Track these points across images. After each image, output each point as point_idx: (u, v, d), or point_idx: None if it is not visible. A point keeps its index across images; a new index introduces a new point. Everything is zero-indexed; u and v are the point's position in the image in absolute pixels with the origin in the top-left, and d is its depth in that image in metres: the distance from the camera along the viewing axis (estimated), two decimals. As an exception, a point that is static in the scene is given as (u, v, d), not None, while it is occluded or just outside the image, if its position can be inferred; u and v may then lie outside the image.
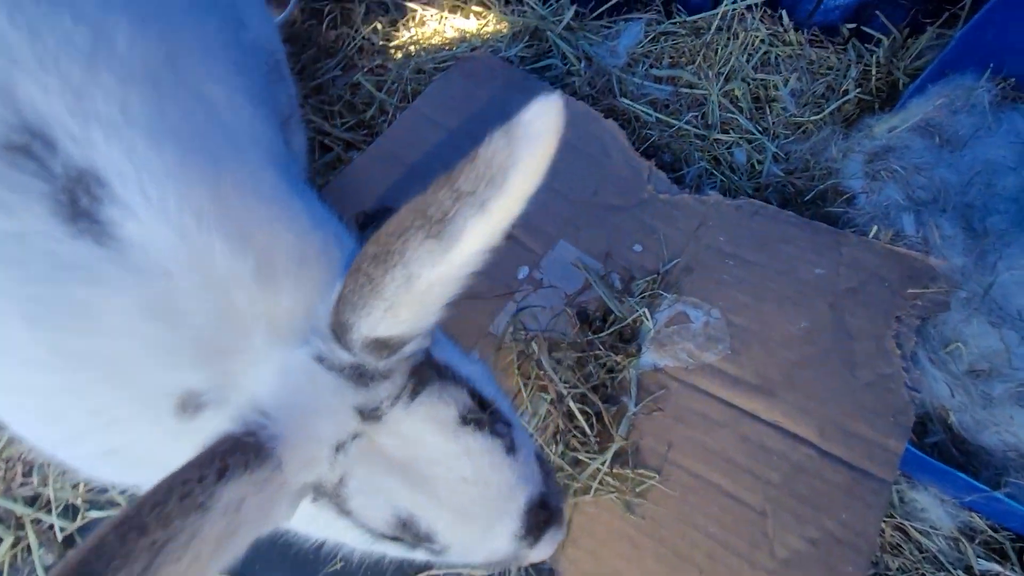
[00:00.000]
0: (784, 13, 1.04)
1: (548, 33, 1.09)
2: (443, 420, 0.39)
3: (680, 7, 1.11)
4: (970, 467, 0.69)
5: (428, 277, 0.34)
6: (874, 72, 1.00)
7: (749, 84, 1.06)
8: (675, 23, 1.10)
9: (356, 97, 0.95)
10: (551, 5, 1.15)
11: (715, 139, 1.05)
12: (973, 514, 0.72)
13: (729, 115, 1.05)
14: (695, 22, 1.08)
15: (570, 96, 1.05)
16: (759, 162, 1.02)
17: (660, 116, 1.05)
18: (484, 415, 0.41)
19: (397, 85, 0.99)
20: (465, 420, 0.40)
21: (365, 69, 0.98)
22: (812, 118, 1.02)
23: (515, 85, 1.00)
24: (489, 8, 1.16)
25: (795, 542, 0.65)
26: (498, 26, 1.14)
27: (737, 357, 0.77)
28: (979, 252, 0.76)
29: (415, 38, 1.08)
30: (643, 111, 1.05)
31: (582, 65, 1.09)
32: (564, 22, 1.11)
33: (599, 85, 1.08)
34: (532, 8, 1.15)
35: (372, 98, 0.95)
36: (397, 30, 1.08)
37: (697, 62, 1.08)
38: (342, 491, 0.38)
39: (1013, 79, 0.94)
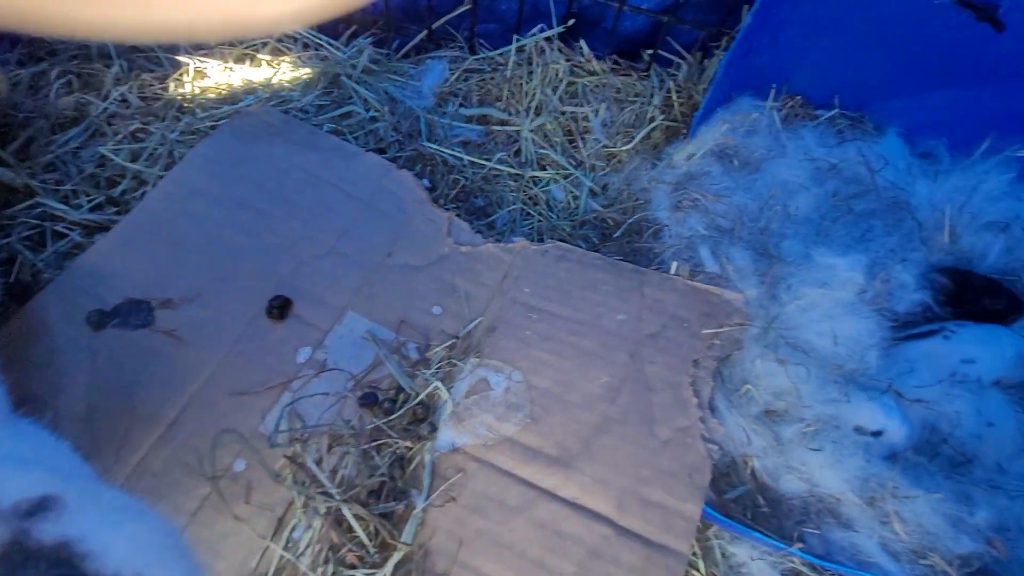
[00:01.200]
0: (583, 43, 1.02)
1: (345, 79, 1.01)
2: None
3: (483, 43, 1.07)
4: (774, 517, 0.65)
5: None
6: (675, 98, 0.99)
7: (560, 118, 1.02)
8: (479, 59, 1.05)
9: (104, 170, 0.82)
10: (350, 47, 1.07)
11: (531, 176, 1.00)
12: (794, 559, 0.69)
13: (542, 151, 1.01)
14: (495, 58, 1.03)
15: (373, 148, 0.98)
16: (576, 197, 0.98)
17: (472, 158, 0.99)
18: None
19: (161, 150, 0.88)
20: None
21: (120, 136, 0.86)
22: (624, 148, 0.99)
23: (298, 140, 0.90)
24: (281, 54, 1.07)
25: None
26: (292, 74, 1.04)
27: (537, 425, 0.70)
28: (770, 281, 0.74)
29: (189, 95, 0.96)
30: (452, 154, 0.98)
31: (386, 109, 1.02)
32: (361, 65, 1.03)
33: (405, 129, 1.01)
34: (329, 52, 1.06)
35: (124, 170, 0.83)
36: (166, 87, 0.96)
37: (505, 98, 1.03)
38: None
39: (799, 97, 0.94)
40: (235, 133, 0.89)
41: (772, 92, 0.91)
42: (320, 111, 1.01)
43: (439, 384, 0.73)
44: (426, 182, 0.99)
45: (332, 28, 1.10)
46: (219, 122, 0.95)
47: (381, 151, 1.01)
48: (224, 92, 0.99)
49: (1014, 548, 0.60)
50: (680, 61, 1.01)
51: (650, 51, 1.02)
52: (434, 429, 0.72)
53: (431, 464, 0.69)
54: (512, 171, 0.99)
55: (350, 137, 0.99)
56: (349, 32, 1.09)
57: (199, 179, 0.85)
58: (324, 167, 0.88)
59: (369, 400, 0.73)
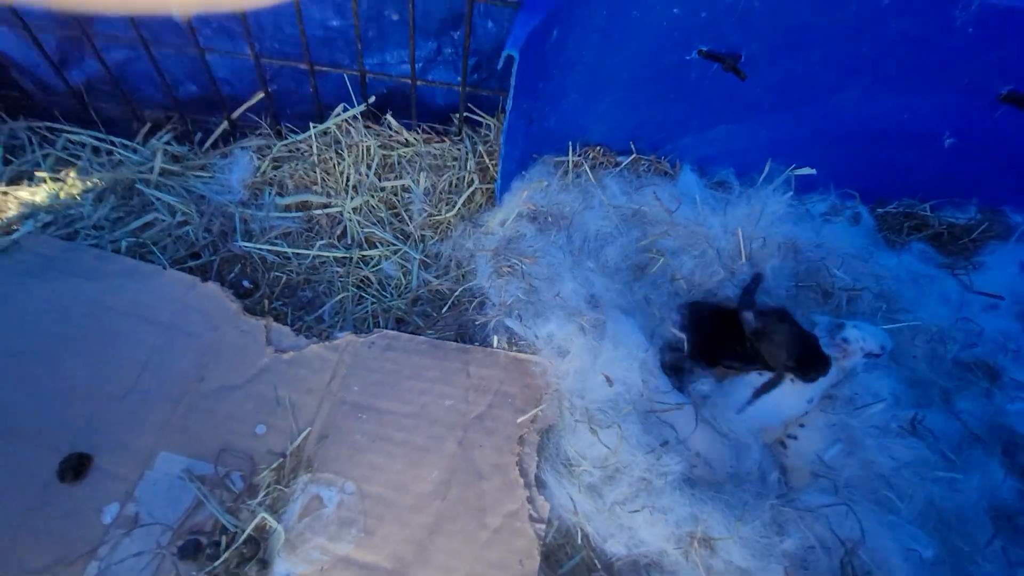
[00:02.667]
0: (389, 116, 1.01)
1: (142, 185, 0.95)
2: None
3: (292, 127, 1.03)
4: (609, 581, 0.67)
5: None
6: (488, 161, 1.01)
7: (380, 193, 1.01)
8: (287, 144, 1.02)
9: None
10: (146, 147, 1.00)
11: (360, 257, 0.98)
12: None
13: (369, 229, 0.99)
14: (303, 142, 1.01)
15: (184, 255, 0.92)
16: (407, 272, 0.97)
17: (295, 249, 0.96)
18: None
19: (-84, 308, 0.77)
20: None
21: None
22: (448, 215, 1.00)
23: (82, 271, 0.83)
24: (68, 165, 0.98)
25: None
26: (80, 187, 0.96)
27: (371, 539, 0.68)
28: (579, 346, 0.77)
29: (-50, 233, 0.86)
30: (271, 250, 0.95)
31: (194, 210, 0.96)
32: (158, 167, 0.97)
33: (217, 229, 0.96)
34: (123, 156, 0.99)
35: None
36: (-82, 230, 0.85)
37: (320, 181, 1.01)
38: None
39: (600, 147, 0.99)
40: (5, 273, 0.80)
41: (570, 148, 0.95)
42: (116, 225, 0.93)
43: (266, 515, 0.70)
44: (246, 283, 0.94)
45: (124, 128, 1.03)
46: (-9, 259, 0.86)
47: (195, 255, 0.96)
48: (2, 222, 0.90)
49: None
50: (490, 122, 1.03)
51: (458, 114, 1.03)
52: (265, 566, 0.69)
53: (265, 606, 0.65)
54: (339, 255, 0.97)
55: (155, 249, 0.92)
56: (144, 131, 1.02)
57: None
58: (115, 295, 0.81)
59: (189, 551, 0.68)
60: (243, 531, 0.69)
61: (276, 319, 0.86)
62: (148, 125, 1.01)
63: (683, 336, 0.86)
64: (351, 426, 0.76)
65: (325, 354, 0.82)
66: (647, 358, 0.75)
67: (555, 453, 0.72)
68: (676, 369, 0.87)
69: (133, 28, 0.85)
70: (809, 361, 0.80)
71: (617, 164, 0.99)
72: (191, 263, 0.93)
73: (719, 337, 0.88)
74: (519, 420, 0.74)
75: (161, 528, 0.69)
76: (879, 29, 0.80)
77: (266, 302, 0.92)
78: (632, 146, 0.99)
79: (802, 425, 0.85)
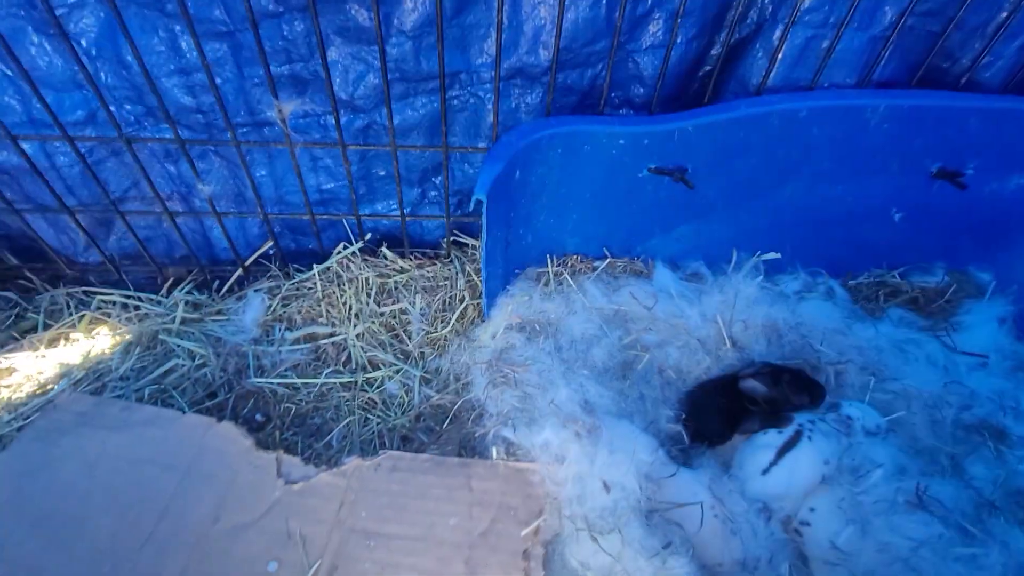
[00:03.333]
0: (384, 249, 1.12)
1: (164, 335, 1.04)
2: None
3: (298, 267, 1.15)
4: None
5: None
6: (476, 278, 1.10)
7: (380, 318, 1.09)
8: (295, 283, 1.13)
9: None
10: (169, 300, 1.12)
11: (365, 380, 1.04)
12: None
13: (371, 352, 1.06)
14: (308, 280, 1.11)
15: (202, 395, 0.99)
16: (409, 390, 1.03)
17: (303, 380, 1.03)
18: None
19: (-42, 475, 0.83)
20: None
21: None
22: (444, 331, 1.07)
23: (109, 423, 0.89)
24: (99, 323, 1.09)
25: None
26: (110, 342, 1.06)
27: None
28: (576, 453, 0.80)
29: (-8, 399, 0.95)
30: (281, 383, 1.01)
31: (211, 352, 1.04)
32: (179, 318, 1.07)
33: (233, 368, 1.03)
34: (148, 309, 1.10)
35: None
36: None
37: (325, 313, 1.10)
38: None
39: (577, 255, 1.08)
40: (39, 435, 0.87)
41: (549, 260, 1.04)
42: (141, 375, 1.01)
43: None
44: (259, 417, 1.00)
45: (151, 283, 1.15)
46: (28, 420, 0.93)
47: (211, 395, 1.03)
48: (34, 384, 0.98)
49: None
50: (474, 243, 1.14)
51: (445, 239, 1.14)
52: None
53: None
54: (344, 380, 1.03)
55: (175, 393, 1.00)
56: (168, 284, 1.14)
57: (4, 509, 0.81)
58: (138, 445, 0.87)
59: None
60: None
61: (287, 450, 0.90)
62: (171, 279, 1.13)
63: (681, 428, 0.89)
64: (361, 555, 0.78)
65: (333, 481, 0.85)
66: (646, 457, 0.77)
67: (560, 565, 0.72)
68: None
69: (160, 202, 0.99)
70: (814, 390, 0.90)
71: (594, 268, 1.08)
72: (208, 403, 1.00)
73: (724, 411, 0.91)
74: (523, 533, 0.75)
75: None
76: (804, 135, 0.90)
77: (277, 433, 0.97)
78: (606, 251, 1.08)
79: (813, 509, 0.85)
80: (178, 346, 1.04)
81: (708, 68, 0.94)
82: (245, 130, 0.92)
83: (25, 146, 0.90)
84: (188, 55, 0.83)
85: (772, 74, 0.87)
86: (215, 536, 0.81)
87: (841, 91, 0.88)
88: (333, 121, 0.91)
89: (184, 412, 0.93)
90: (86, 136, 0.91)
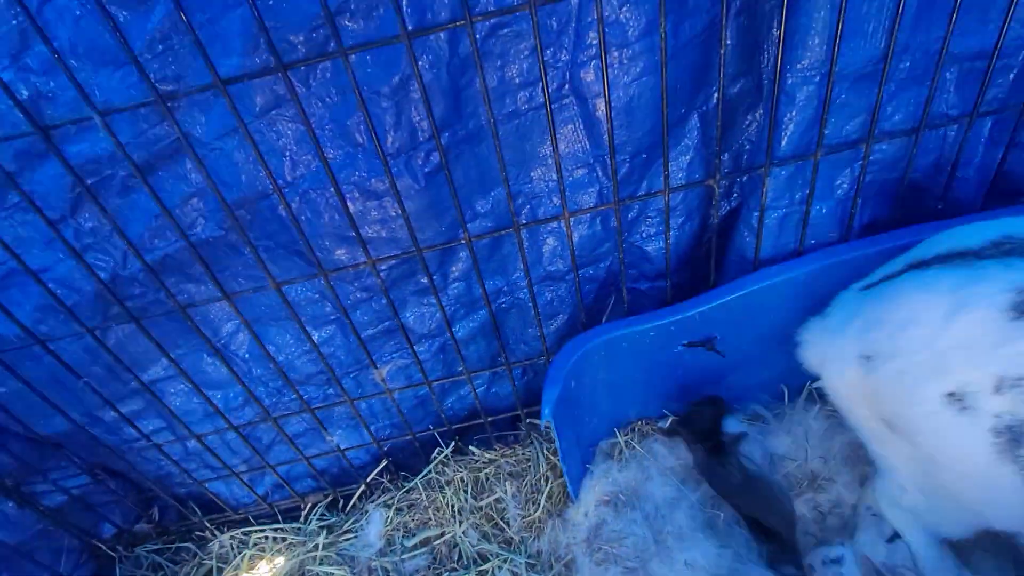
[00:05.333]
0: (472, 447, 1.30)
1: (309, 567, 1.23)
2: None
3: (406, 474, 1.34)
4: None
5: None
6: (555, 459, 1.23)
7: (478, 512, 1.23)
8: (405, 491, 1.31)
9: None
10: (307, 525, 1.32)
11: (479, 572, 1.16)
12: None
13: (478, 546, 1.19)
14: (411, 488, 1.29)
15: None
16: (520, 578, 1.13)
17: (425, 585, 1.16)
18: None
19: None
20: None
21: None
22: (536, 514, 1.19)
23: None
24: (257, 560, 1.30)
25: None
26: (266, 576, 1.26)
27: None
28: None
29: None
30: (408, 594, 1.15)
31: (347, 572, 1.21)
32: (320, 544, 1.27)
33: (367, 584, 1.19)
34: (291, 537, 1.31)
35: None
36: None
37: (432, 515, 1.26)
38: None
39: (640, 419, 1.20)
40: None
41: (618, 432, 1.16)
42: (295, 605, 1.19)
43: None
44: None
45: (294, 509, 1.37)
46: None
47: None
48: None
49: None
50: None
51: (523, 421, 1.30)
52: None
53: None
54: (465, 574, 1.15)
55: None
56: (307, 510, 1.36)
57: None
58: None
59: None
60: None
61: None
62: (310, 505, 1.35)
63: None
64: None
65: None
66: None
67: None
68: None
69: (298, 452, 1.24)
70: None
71: (659, 429, 1.18)
72: (352, 622, 1.14)
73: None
74: None
75: None
76: (808, 291, 1.01)
77: (413, 643, 1.09)
78: (665, 411, 1.19)
79: None
80: (321, 572, 1.23)
81: (707, 242, 1.10)
82: (347, 381, 1.17)
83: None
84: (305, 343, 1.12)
85: (761, 248, 1.02)
86: None
87: (833, 248, 1.00)
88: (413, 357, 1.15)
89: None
90: (248, 422, 1.19)
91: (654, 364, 1.09)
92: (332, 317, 1.12)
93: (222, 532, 1.38)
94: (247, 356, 1.13)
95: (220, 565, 1.32)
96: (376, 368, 1.10)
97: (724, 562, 0.96)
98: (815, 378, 1.12)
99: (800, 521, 1.01)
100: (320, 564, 1.23)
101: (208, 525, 1.37)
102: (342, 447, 1.27)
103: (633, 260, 1.15)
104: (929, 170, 1.00)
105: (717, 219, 1.04)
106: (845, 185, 0.98)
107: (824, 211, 0.99)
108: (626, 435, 1.17)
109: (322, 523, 1.32)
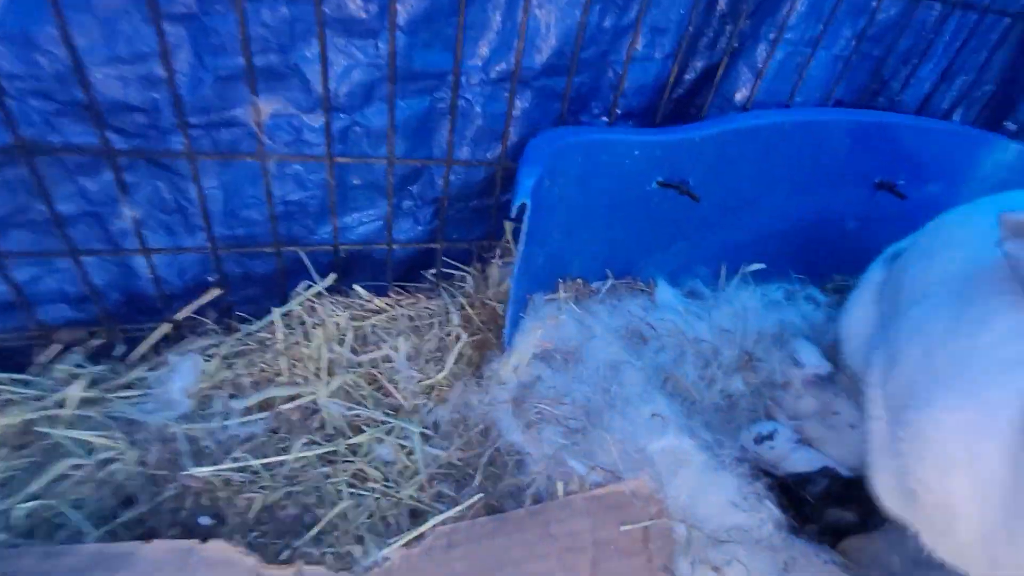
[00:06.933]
0: (357, 286, 0.95)
1: (42, 429, 0.73)
2: None
3: (244, 315, 0.91)
4: None
5: None
6: (471, 311, 0.97)
7: (358, 369, 0.89)
8: (240, 339, 0.89)
9: None
10: (50, 375, 0.80)
11: (348, 448, 0.82)
12: None
13: (351, 412, 0.85)
14: (265, 329, 0.89)
15: (115, 505, 0.69)
16: (410, 452, 0.83)
17: (265, 459, 0.78)
18: None
19: None
20: None
21: None
22: (440, 376, 0.90)
23: None
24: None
25: None
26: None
27: None
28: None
29: None
30: (233, 468, 0.75)
31: (123, 442, 0.75)
32: (75, 399, 0.77)
33: (157, 459, 0.75)
34: (14, 393, 0.77)
35: None
36: None
37: (286, 371, 0.87)
38: None
39: (580, 280, 1.01)
40: None
41: (559, 285, 0.95)
42: (11, 489, 0.68)
43: None
44: (204, 520, 0.72)
45: (24, 354, 0.82)
46: None
47: (128, 502, 0.72)
48: None
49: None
50: (464, 274, 1.01)
51: (432, 271, 1.00)
52: None
53: None
54: (322, 452, 0.80)
55: (68, 509, 0.68)
56: (51, 356, 0.82)
57: None
58: None
59: None
60: None
61: (264, 555, 0.64)
62: (56, 348, 0.82)
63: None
64: None
65: None
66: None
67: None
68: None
69: (64, 239, 0.72)
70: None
71: (597, 291, 1.00)
72: (124, 515, 0.69)
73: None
74: (635, 564, 0.60)
75: None
76: (788, 147, 0.96)
77: (237, 537, 0.70)
78: (608, 272, 1.02)
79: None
80: (69, 439, 0.73)
81: (688, 81, 0.97)
82: (196, 134, 0.72)
83: None
84: (135, 39, 0.64)
85: (756, 89, 0.93)
86: None
87: (820, 108, 0.97)
88: (307, 124, 0.76)
89: (94, 535, 0.64)
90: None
91: (622, 200, 0.91)
92: (185, 11, 0.67)
93: None
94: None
95: None
96: (256, 98, 0.68)
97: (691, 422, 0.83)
98: (753, 261, 1.11)
99: (738, 398, 0.94)
100: (68, 427, 0.74)
101: None
102: (148, 246, 0.79)
103: (605, 87, 0.95)
104: (899, 60, 1.04)
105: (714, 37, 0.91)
106: (843, 41, 0.95)
107: (819, 63, 0.95)
108: (566, 292, 0.97)
109: (80, 372, 0.81)
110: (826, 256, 1.17)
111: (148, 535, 0.68)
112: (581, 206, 0.89)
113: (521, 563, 0.61)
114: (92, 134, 0.70)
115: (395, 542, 0.66)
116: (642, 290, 1.04)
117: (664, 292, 1.02)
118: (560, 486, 0.71)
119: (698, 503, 0.64)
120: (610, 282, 1.01)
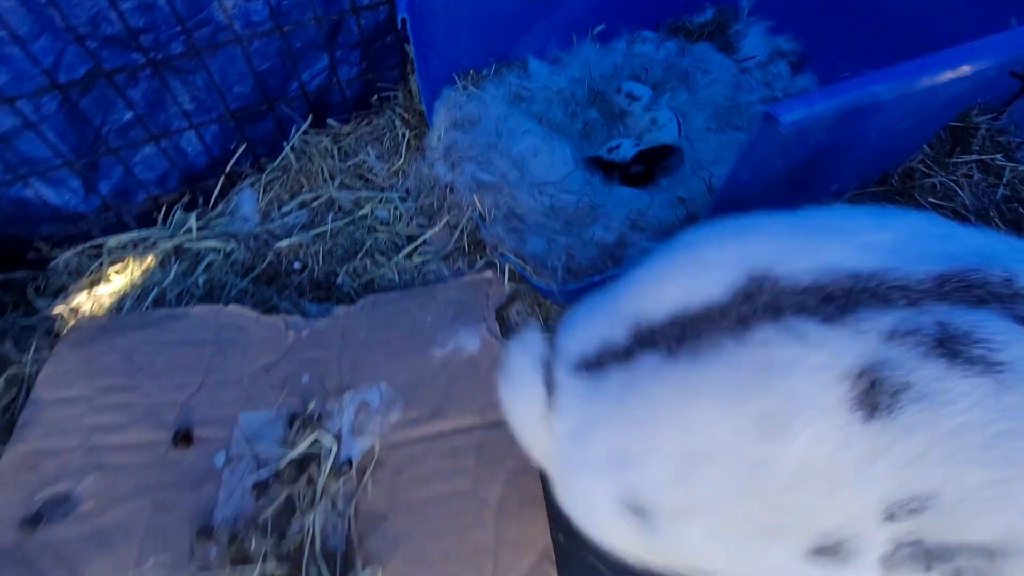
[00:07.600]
0: (330, 121, 1.39)
1: (188, 246, 1.27)
2: None
3: (266, 158, 1.39)
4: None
5: None
6: (408, 117, 1.42)
7: (351, 170, 1.39)
8: (269, 172, 1.37)
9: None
10: (168, 225, 1.32)
11: (361, 216, 1.35)
12: None
13: (357, 194, 1.36)
14: (279, 165, 1.37)
15: (240, 275, 1.25)
16: (396, 208, 1.35)
17: (315, 230, 1.31)
18: None
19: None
20: None
21: None
22: (400, 163, 1.39)
23: (131, 325, 1.10)
24: (120, 259, 1.28)
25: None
26: (139, 273, 1.26)
27: (409, 407, 0.98)
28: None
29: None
30: (293, 240, 1.28)
31: (232, 243, 1.29)
32: (193, 227, 1.29)
33: (255, 244, 1.29)
34: (152, 233, 1.30)
35: None
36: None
37: (305, 183, 1.37)
38: None
39: (472, 70, 1.43)
40: (73, 344, 1.08)
41: (457, 77, 1.38)
42: (185, 278, 1.24)
43: (320, 436, 0.93)
44: (296, 264, 1.28)
45: (146, 219, 1.34)
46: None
47: (251, 269, 1.28)
48: (100, 306, 1.19)
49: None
50: (396, 92, 1.44)
51: (374, 96, 1.44)
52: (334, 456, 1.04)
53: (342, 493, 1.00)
54: (346, 221, 1.33)
55: (215, 286, 1.23)
56: (163, 212, 1.34)
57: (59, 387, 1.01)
58: (164, 334, 1.09)
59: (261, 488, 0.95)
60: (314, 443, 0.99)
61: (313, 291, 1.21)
62: (163, 206, 1.33)
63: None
64: (368, 358, 1.05)
65: (330, 323, 1.09)
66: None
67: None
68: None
69: (145, 130, 1.19)
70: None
71: (486, 76, 1.43)
72: (252, 274, 1.26)
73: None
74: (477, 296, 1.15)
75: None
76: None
77: (316, 267, 1.27)
78: (491, 59, 1.44)
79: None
80: (203, 247, 1.28)
81: None
82: (183, 38, 1.13)
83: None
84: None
85: None
86: (252, 374, 1.04)
87: None
88: (253, 8, 1.15)
89: (239, 285, 1.20)
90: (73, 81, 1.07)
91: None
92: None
93: (66, 249, 1.29)
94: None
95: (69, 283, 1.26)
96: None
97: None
98: (598, 24, 1.50)
99: (593, 124, 1.41)
100: (200, 242, 1.28)
101: (39, 247, 1.26)
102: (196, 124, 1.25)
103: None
104: None
105: None
106: None
107: None
108: (465, 78, 1.40)
109: (186, 217, 1.33)
110: (656, 3, 1.53)
111: (265, 280, 1.25)
112: (457, 8, 1.28)
113: (415, 312, 1.11)
114: (124, 57, 1.11)
115: (402, 254, 1.22)
116: (518, 66, 1.46)
117: (533, 63, 1.44)
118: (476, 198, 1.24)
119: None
120: (494, 66, 1.44)
